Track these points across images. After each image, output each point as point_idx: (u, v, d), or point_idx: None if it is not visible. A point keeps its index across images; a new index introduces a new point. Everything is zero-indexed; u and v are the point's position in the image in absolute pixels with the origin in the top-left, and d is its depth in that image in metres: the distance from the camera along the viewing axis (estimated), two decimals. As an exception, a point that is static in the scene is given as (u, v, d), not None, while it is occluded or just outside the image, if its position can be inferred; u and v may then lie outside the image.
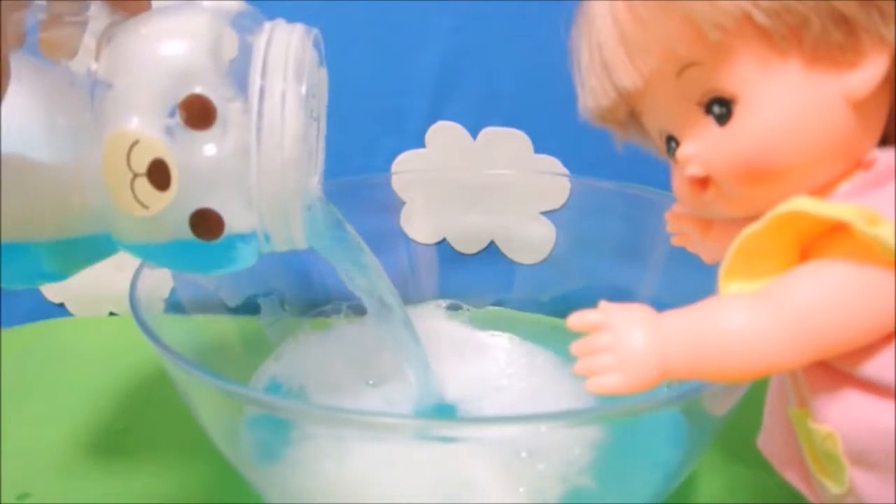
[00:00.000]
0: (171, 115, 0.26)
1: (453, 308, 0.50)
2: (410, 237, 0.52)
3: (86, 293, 0.56)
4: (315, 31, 0.30)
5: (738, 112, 0.22)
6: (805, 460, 0.24)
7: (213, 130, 0.26)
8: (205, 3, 0.28)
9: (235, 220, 0.27)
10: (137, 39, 0.27)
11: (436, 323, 0.49)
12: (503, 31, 0.48)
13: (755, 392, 0.28)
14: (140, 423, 0.43)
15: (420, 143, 0.51)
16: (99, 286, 0.56)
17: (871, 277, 0.20)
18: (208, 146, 0.26)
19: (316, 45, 0.30)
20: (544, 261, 0.51)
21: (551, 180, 0.50)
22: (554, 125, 0.49)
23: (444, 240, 0.52)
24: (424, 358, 0.39)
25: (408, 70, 0.49)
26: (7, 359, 0.50)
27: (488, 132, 0.50)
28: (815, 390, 0.22)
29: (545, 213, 0.50)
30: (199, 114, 0.26)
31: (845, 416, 0.21)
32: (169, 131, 0.26)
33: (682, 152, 0.24)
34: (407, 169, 0.51)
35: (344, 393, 0.41)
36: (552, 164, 0.50)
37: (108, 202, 0.27)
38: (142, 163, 0.26)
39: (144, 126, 0.26)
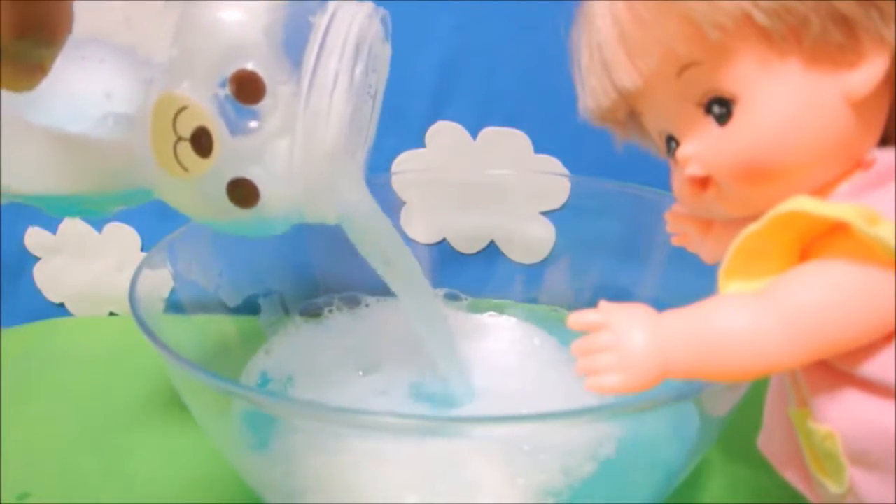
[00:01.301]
0: (222, 85, 0.27)
1: (451, 297, 0.50)
2: (410, 237, 0.52)
3: (86, 293, 0.56)
4: (382, 11, 0.30)
5: (738, 112, 0.22)
6: (805, 460, 0.24)
7: (261, 106, 0.27)
8: None
9: (271, 194, 0.28)
10: (198, 8, 0.27)
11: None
12: (503, 31, 0.48)
13: (755, 392, 0.28)
14: (140, 423, 0.43)
15: (420, 143, 0.51)
16: (99, 286, 0.56)
17: (870, 277, 0.20)
18: (253, 122, 0.27)
19: (383, 22, 0.30)
20: (544, 261, 0.51)
21: (551, 180, 0.50)
22: (554, 125, 0.49)
23: (444, 240, 0.52)
24: (451, 342, 0.39)
25: (408, 70, 0.49)
26: (7, 359, 0.50)
27: (488, 132, 0.50)
28: (815, 390, 0.22)
29: (545, 213, 0.50)
30: (248, 89, 0.26)
31: (845, 415, 0.21)
32: (218, 101, 0.26)
33: (682, 152, 0.24)
34: (407, 169, 0.51)
35: (333, 384, 0.41)
36: (552, 164, 0.50)
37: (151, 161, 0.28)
38: (187, 128, 0.27)
39: (194, 93, 0.26)
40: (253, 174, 0.27)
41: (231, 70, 0.26)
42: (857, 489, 0.22)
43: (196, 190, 0.28)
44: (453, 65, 0.49)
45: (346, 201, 0.31)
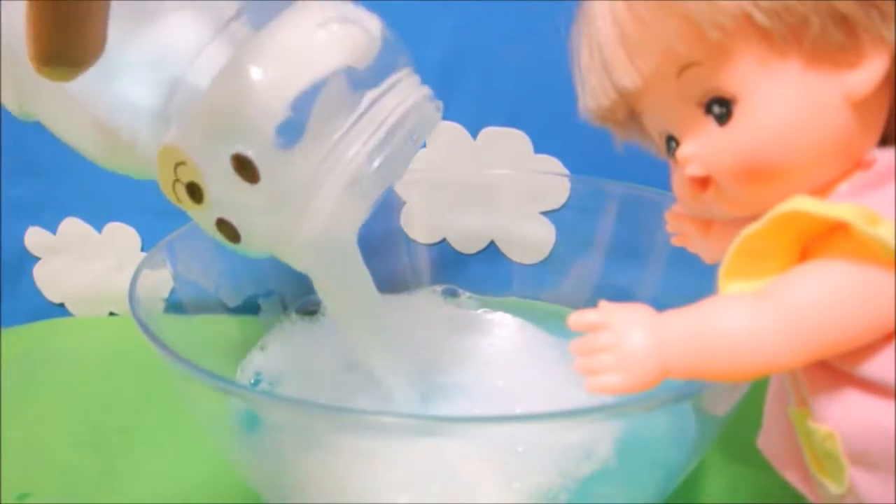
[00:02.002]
0: (225, 156, 0.28)
1: (450, 293, 0.51)
2: (410, 237, 0.52)
3: (86, 293, 0.56)
4: (438, 103, 0.32)
5: (738, 112, 0.22)
6: (805, 460, 0.24)
7: (257, 186, 0.28)
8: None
9: (253, 240, 0.30)
10: (236, 68, 0.28)
11: (432, 304, 0.49)
12: (503, 31, 0.48)
13: (755, 392, 0.28)
14: (140, 423, 0.43)
15: (420, 143, 0.51)
16: (99, 286, 0.56)
17: (870, 277, 0.20)
18: (245, 193, 0.28)
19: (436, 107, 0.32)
20: (544, 261, 0.51)
21: (551, 180, 0.50)
22: (554, 125, 0.49)
23: (444, 240, 0.52)
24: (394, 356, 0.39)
25: (408, 70, 0.49)
26: (7, 359, 0.50)
27: (488, 132, 0.50)
28: (815, 390, 0.22)
29: (545, 213, 0.50)
30: (246, 169, 0.28)
31: (845, 415, 0.21)
32: (215, 169, 0.28)
33: (682, 152, 0.24)
34: (407, 169, 0.51)
35: (324, 383, 0.40)
36: (552, 164, 0.50)
37: None
38: (184, 176, 0.28)
39: (195, 153, 0.28)
40: (237, 221, 0.29)
41: (233, 149, 0.27)
42: (857, 489, 0.22)
43: (194, 216, 0.30)
44: (453, 65, 0.49)
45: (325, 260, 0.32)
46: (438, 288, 0.50)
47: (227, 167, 0.28)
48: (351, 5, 0.30)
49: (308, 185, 0.29)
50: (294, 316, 0.47)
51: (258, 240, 0.30)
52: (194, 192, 0.28)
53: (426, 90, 0.32)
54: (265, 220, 0.29)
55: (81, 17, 0.22)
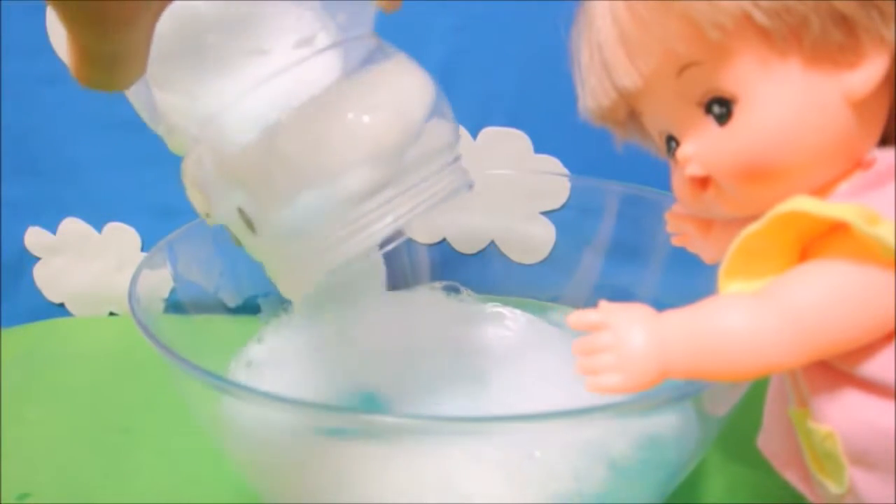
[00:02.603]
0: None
1: (452, 290, 0.51)
2: (410, 237, 0.52)
3: (86, 293, 0.56)
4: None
5: (738, 112, 0.22)
6: (805, 460, 0.24)
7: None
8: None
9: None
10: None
11: (433, 300, 0.49)
12: (503, 31, 0.48)
13: (755, 392, 0.28)
14: (140, 423, 0.43)
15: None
16: (99, 286, 0.56)
17: (870, 277, 0.20)
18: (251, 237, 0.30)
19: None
20: (544, 261, 0.51)
21: (551, 180, 0.50)
22: (554, 125, 0.49)
23: (444, 240, 0.52)
24: None
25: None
26: (7, 359, 0.50)
27: (488, 132, 0.50)
28: (815, 390, 0.22)
29: (545, 213, 0.50)
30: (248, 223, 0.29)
31: (845, 415, 0.21)
32: (219, 206, 0.30)
33: (682, 152, 0.24)
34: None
35: (318, 379, 0.41)
36: (552, 164, 0.50)
37: None
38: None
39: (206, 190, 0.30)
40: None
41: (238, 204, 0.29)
42: (857, 489, 0.22)
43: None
44: (453, 65, 0.49)
45: None
46: (438, 284, 0.50)
47: (234, 212, 0.28)
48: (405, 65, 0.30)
49: (321, 250, 0.29)
50: (293, 311, 0.47)
51: (256, 256, 0.31)
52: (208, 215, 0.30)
53: (467, 175, 0.32)
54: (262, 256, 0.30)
55: (119, 54, 0.22)
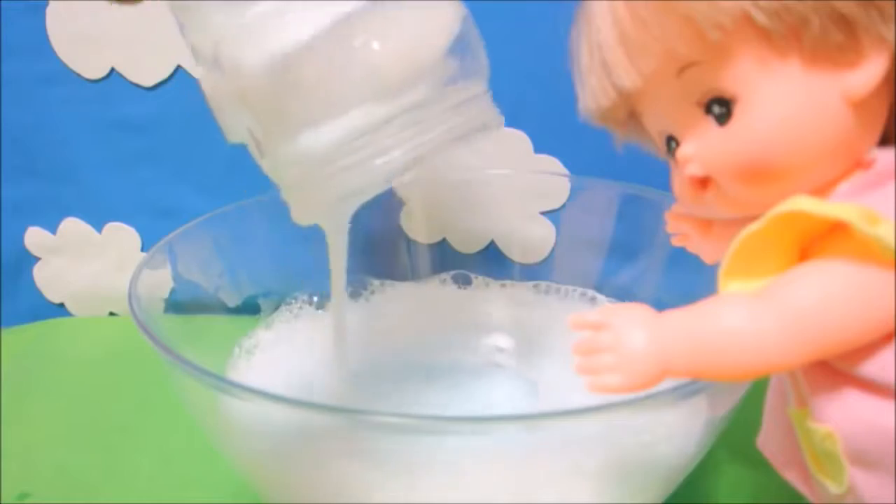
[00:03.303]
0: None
1: (462, 280, 0.51)
2: (410, 237, 0.52)
3: (86, 293, 0.56)
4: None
5: (738, 112, 0.22)
6: (805, 460, 0.24)
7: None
8: None
9: None
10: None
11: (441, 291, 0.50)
12: (503, 31, 0.48)
13: (755, 392, 0.28)
14: (140, 423, 0.43)
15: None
16: (99, 286, 0.56)
17: (870, 277, 0.20)
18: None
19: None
20: (544, 261, 0.51)
21: (551, 180, 0.49)
22: (554, 125, 0.49)
23: (444, 240, 0.52)
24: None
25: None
26: (7, 359, 0.50)
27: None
28: (815, 390, 0.22)
29: (545, 213, 0.50)
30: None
31: (845, 415, 0.21)
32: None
33: (681, 152, 0.24)
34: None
35: (322, 379, 0.41)
36: (552, 164, 0.50)
37: None
38: None
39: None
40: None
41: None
42: (857, 489, 0.22)
43: None
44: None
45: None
46: (447, 276, 0.50)
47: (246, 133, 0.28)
48: None
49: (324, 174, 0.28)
50: (302, 301, 0.47)
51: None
52: None
53: (495, 111, 0.31)
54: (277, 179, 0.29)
55: None
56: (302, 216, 0.31)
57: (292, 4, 0.27)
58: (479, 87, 0.30)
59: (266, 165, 0.30)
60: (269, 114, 0.28)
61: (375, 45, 0.27)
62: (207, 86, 0.29)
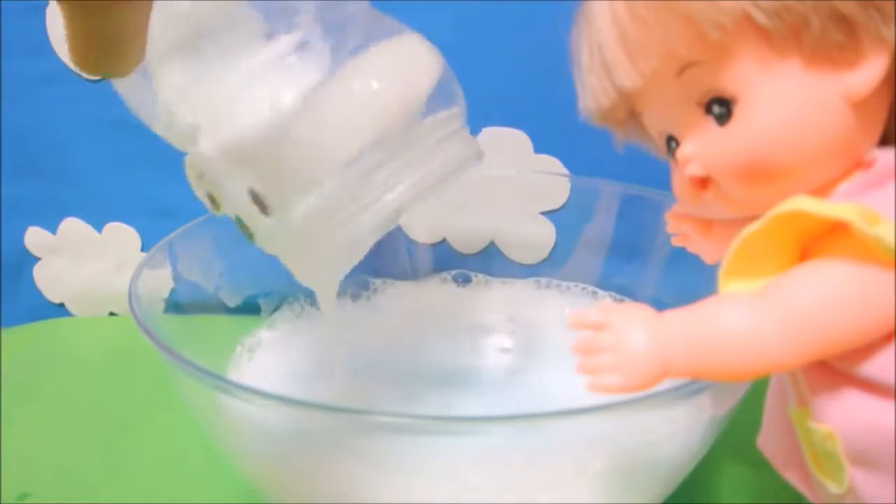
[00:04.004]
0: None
1: (463, 279, 0.51)
2: (410, 237, 0.52)
3: (86, 293, 0.56)
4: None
5: (738, 112, 0.22)
6: (805, 460, 0.24)
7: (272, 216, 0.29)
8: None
9: (265, 246, 0.32)
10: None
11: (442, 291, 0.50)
12: (503, 31, 0.48)
13: (755, 392, 0.28)
14: (140, 423, 0.43)
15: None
16: (99, 286, 0.56)
17: (871, 277, 0.20)
18: (260, 220, 0.29)
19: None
20: (544, 261, 0.51)
21: (551, 180, 0.49)
22: (554, 125, 0.49)
23: (444, 240, 0.52)
24: None
25: (408, 70, 0.49)
26: (7, 359, 0.50)
27: (488, 132, 0.50)
28: (815, 390, 0.22)
29: (545, 213, 0.50)
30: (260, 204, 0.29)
31: (845, 415, 0.21)
32: (231, 191, 0.29)
33: (681, 152, 0.24)
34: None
35: (324, 378, 0.41)
36: (552, 164, 0.50)
37: None
38: (203, 187, 0.30)
39: (216, 177, 0.29)
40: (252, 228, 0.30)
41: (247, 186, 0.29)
42: (857, 489, 0.22)
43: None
44: (453, 65, 0.49)
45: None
46: (447, 275, 0.50)
47: (244, 195, 0.28)
48: (410, 40, 0.31)
49: (330, 227, 0.29)
50: (304, 301, 0.48)
51: (269, 248, 0.31)
52: (213, 200, 0.30)
53: (476, 144, 0.32)
54: (277, 245, 0.30)
55: (118, 34, 0.22)
56: (306, 275, 0.32)
57: (284, 60, 0.28)
58: (459, 123, 0.32)
59: (266, 231, 0.30)
60: (279, 169, 0.28)
61: (375, 86, 0.28)
62: (194, 158, 0.29)
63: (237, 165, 0.28)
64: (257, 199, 0.28)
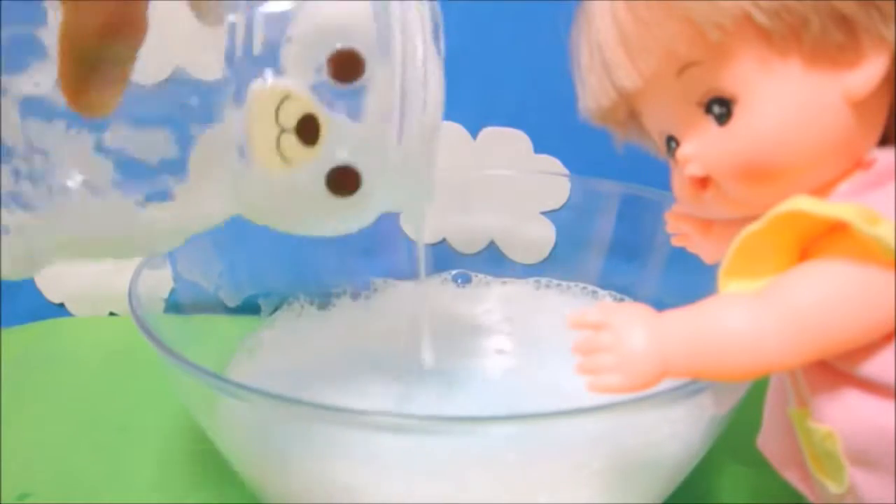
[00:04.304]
0: (319, 70, 0.26)
1: (463, 279, 0.51)
2: (411, 237, 0.52)
3: (86, 293, 0.56)
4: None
5: (738, 112, 0.22)
6: (805, 460, 0.24)
7: (361, 86, 0.27)
8: None
9: (370, 178, 0.28)
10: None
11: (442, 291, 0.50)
12: (503, 31, 0.48)
13: (755, 392, 0.28)
14: (140, 423, 0.43)
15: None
16: (99, 286, 0.56)
17: (870, 277, 0.20)
18: (353, 102, 0.27)
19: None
20: (544, 261, 0.51)
21: (551, 180, 0.49)
22: (554, 125, 0.49)
23: (444, 240, 0.52)
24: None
25: (408, 70, 0.49)
26: (7, 359, 0.50)
27: (488, 132, 0.50)
28: (815, 390, 0.22)
29: (545, 213, 0.50)
30: (347, 66, 0.26)
31: (845, 415, 0.21)
32: (316, 88, 0.26)
33: (681, 152, 0.24)
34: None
35: (324, 378, 0.41)
36: (552, 164, 0.50)
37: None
38: (291, 117, 0.26)
39: (296, 81, 0.26)
40: (355, 160, 0.27)
41: (330, 51, 0.26)
42: (857, 489, 0.22)
43: (290, 186, 0.28)
44: (453, 65, 0.49)
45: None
46: (448, 275, 0.50)
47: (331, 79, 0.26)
48: None
49: (407, 75, 0.27)
50: (304, 300, 0.48)
51: (376, 172, 0.28)
52: (307, 131, 0.27)
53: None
54: (386, 130, 0.28)
55: (101, 82, 0.23)
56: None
57: None
58: None
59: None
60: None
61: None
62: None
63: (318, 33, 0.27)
64: (346, 62, 0.26)
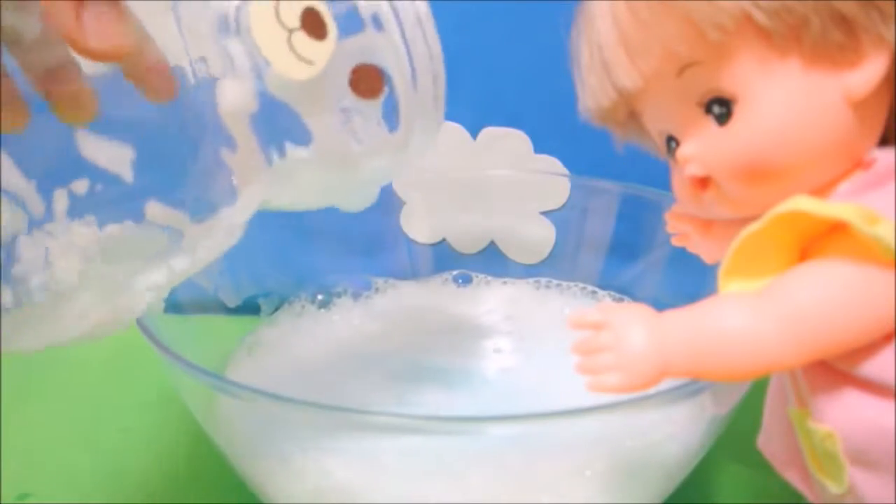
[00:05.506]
0: None
1: (464, 280, 0.51)
2: (410, 237, 0.52)
3: (86, 293, 0.56)
4: None
5: (738, 112, 0.22)
6: (805, 460, 0.24)
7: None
8: None
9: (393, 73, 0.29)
10: None
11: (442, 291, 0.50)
12: (503, 31, 0.48)
13: (755, 392, 0.28)
14: (140, 423, 0.43)
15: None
16: (99, 286, 0.56)
17: (870, 277, 0.20)
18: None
19: None
20: (544, 261, 0.51)
21: (551, 180, 0.49)
22: (554, 125, 0.49)
23: (444, 240, 0.52)
24: None
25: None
26: (7, 359, 0.50)
27: (488, 132, 0.50)
28: (815, 390, 0.22)
29: (545, 213, 0.50)
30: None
31: (845, 415, 0.21)
32: None
33: (681, 152, 0.24)
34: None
35: (324, 377, 0.41)
36: (552, 164, 0.50)
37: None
38: (293, 16, 0.27)
39: None
40: (374, 58, 0.28)
41: None
42: (857, 489, 0.22)
43: (319, 92, 0.28)
44: (453, 65, 0.49)
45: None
46: (448, 275, 0.50)
47: None
48: None
49: None
50: (305, 300, 0.48)
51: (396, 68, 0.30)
52: (314, 24, 0.27)
53: None
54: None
55: None
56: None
57: None
58: None
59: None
60: None
61: None
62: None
63: None
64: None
